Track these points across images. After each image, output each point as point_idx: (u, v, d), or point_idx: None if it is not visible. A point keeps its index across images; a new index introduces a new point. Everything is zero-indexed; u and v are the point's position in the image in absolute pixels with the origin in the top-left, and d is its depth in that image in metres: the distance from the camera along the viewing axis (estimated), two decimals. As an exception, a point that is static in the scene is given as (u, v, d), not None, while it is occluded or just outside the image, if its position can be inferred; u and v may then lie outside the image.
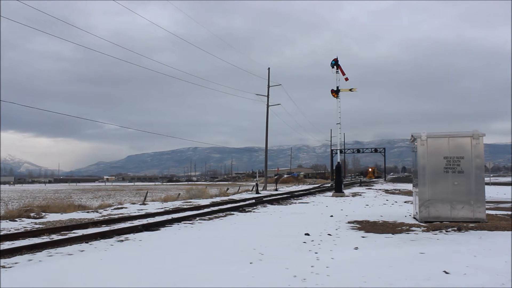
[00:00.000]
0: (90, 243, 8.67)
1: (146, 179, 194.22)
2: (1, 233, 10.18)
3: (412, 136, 12.05)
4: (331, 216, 13.36)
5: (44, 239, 9.43)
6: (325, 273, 5.49)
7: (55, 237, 9.70)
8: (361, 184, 55.96)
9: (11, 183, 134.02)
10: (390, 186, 46.51)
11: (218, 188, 41.79)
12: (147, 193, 25.70)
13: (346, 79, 28.71)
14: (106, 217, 14.29)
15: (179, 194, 29.03)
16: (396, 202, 20.21)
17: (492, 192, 27.12)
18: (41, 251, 7.76)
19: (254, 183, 38.70)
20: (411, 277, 5.24)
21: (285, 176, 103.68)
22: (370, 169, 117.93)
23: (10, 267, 6.39)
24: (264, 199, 23.35)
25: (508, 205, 18.19)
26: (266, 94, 41.90)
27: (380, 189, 36.86)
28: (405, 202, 19.80)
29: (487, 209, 13.23)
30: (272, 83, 42.25)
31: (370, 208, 16.61)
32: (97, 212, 16.52)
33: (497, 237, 8.55)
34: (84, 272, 5.84)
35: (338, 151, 31.65)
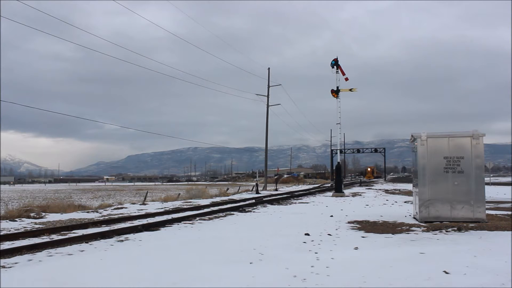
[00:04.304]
0: (90, 243, 8.67)
1: (146, 179, 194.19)
2: (1, 233, 10.18)
3: (412, 136, 12.05)
4: (331, 216, 13.36)
5: (44, 239, 9.43)
6: (325, 273, 5.49)
7: (55, 237, 9.69)
8: (361, 184, 55.97)
9: (11, 183, 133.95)
10: (390, 186, 46.51)
11: (218, 188, 41.78)
12: (147, 193, 25.69)
13: (346, 79, 28.70)
14: (106, 217, 14.28)
15: (179, 194, 29.02)
16: (396, 202, 20.21)
17: (492, 192, 27.11)
18: (41, 251, 7.75)
19: (254, 183, 38.69)
20: (411, 277, 5.24)
21: (285, 176, 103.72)
22: (369, 169, 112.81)
23: (10, 267, 6.39)
24: (264, 199, 23.34)
25: (508, 205, 18.18)
26: (266, 94, 41.89)
27: (380, 189, 36.86)
28: (405, 202, 19.79)
29: (487, 209, 13.23)
30: (272, 83, 42.28)
31: (370, 208, 16.61)
32: (97, 212, 16.51)
33: (497, 237, 8.55)
34: (84, 272, 5.84)
35: (338, 151, 31.63)
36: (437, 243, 7.94)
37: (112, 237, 9.37)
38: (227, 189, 38.08)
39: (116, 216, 14.41)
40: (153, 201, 23.77)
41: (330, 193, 29.28)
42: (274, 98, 59.25)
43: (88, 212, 16.49)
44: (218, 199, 24.76)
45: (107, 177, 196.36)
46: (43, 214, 14.94)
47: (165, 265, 6.14)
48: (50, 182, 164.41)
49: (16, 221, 13.08)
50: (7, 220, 13.05)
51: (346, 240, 8.39)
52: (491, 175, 61.64)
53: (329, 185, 53.00)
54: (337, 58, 28.84)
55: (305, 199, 24.43)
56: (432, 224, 10.59)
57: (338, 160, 30.37)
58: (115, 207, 18.81)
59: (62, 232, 10.51)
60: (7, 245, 8.53)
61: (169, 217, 13.72)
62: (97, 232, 9.88)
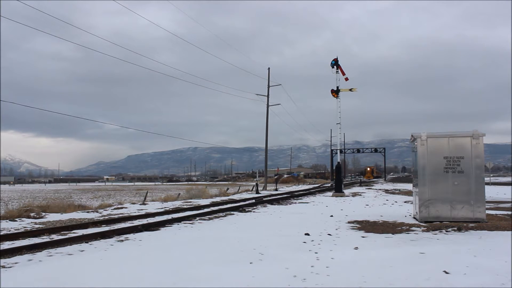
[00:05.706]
0: (90, 243, 8.67)
1: (146, 179, 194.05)
2: (1, 233, 10.18)
3: (412, 136, 12.06)
4: (331, 216, 13.36)
5: (44, 239, 9.43)
6: (325, 273, 5.49)
7: (55, 237, 9.69)
8: (361, 184, 55.95)
9: (11, 183, 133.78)
10: (390, 186, 46.51)
11: (218, 188, 41.78)
12: (147, 193, 25.69)
13: (346, 79, 28.70)
14: (106, 217, 14.28)
15: (179, 194, 29.03)
16: (396, 202, 20.21)
17: (492, 192, 27.11)
18: (41, 251, 7.75)
19: (254, 183, 38.69)
20: (411, 277, 5.24)
21: (285, 176, 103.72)
22: (369, 169, 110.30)
23: (10, 267, 6.39)
24: (264, 199, 23.34)
25: (508, 205, 18.18)
26: (266, 94, 41.88)
27: (380, 189, 36.86)
28: (405, 202, 19.80)
29: (487, 209, 13.23)
30: (272, 83, 42.25)
31: (370, 208, 16.62)
32: (97, 212, 16.52)
33: (497, 237, 8.55)
34: (84, 272, 5.84)
35: (338, 151, 31.63)
36: (437, 243, 7.94)
37: (112, 237, 9.37)
38: (227, 189, 38.08)
39: (116, 216, 14.41)
40: (153, 201, 23.78)
41: (330, 193, 29.28)
42: (274, 98, 59.21)
43: (88, 212, 16.49)
44: (218, 199, 24.76)
45: (107, 177, 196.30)
46: (43, 214, 14.94)
47: (165, 265, 6.14)
48: (50, 182, 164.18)
49: (16, 221, 13.09)
50: (7, 220, 13.06)
51: (346, 240, 8.39)
52: (491, 175, 61.64)
53: (329, 185, 52.99)
54: (337, 58, 28.84)
55: (305, 199, 24.43)
56: (432, 224, 10.59)
57: (338, 160, 30.37)
58: (115, 207, 18.82)
59: (62, 232, 10.51)
60: (7, 245, 8.53)
61: (169, 217, 13.72)
62: (97, 232, 9.88)
